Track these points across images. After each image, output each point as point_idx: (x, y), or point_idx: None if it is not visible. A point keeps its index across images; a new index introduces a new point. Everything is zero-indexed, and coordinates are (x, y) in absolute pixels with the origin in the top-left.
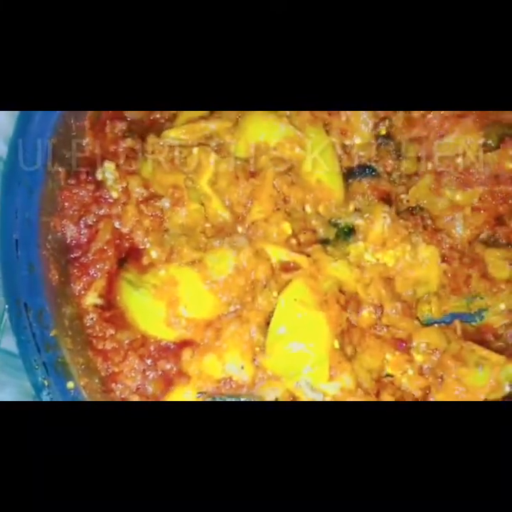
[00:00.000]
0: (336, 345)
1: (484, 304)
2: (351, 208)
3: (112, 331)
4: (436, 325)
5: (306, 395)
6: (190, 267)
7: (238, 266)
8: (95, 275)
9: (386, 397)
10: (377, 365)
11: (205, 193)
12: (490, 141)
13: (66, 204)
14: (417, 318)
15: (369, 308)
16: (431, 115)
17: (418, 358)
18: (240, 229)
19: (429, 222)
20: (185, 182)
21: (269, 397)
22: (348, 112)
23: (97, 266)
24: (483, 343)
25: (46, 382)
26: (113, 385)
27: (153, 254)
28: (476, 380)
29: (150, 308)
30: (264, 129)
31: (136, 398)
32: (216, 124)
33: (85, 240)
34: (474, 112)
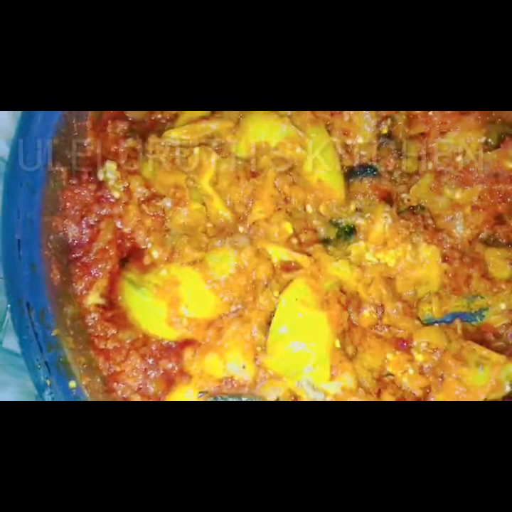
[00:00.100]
0: (337, 344)
1: (485, 303)
2: (352, 207)
3: (113, 331)
4: (436, 324)
5: (307, 395)
6: (191, 267)
7: (239, 266)
8: (97, 275)
9: (387, 396)
10: (378, 364)
11: (207, 192)
12: (490, 140)
13: (68, 204)
14: (418, 317)
15: (370, 308)
16: (432, 112)
17: (419, 357)
18: (241, 229)
19: (430, 221)
20: (187, 182)
21: (271, 396)
22: (351, 112)
23: (99, 266)
24: (483, 342)
25: (48, 382)
26: (115, 384)
27: (155, 254)
28: (476, 380)
29: (151, 308)
30: (265, 129)
31: (137, 398)
32: (217, 124)
33: (87, 239)
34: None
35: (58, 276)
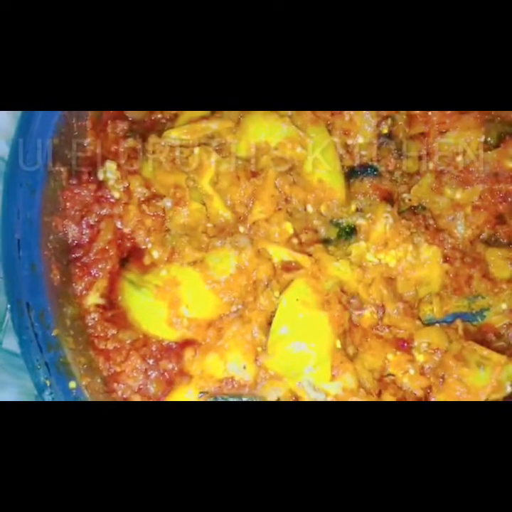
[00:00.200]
0: (338, 345)
1: (486, 303)
2: (353, 207)
3: (113, 331)
4: (437, 325)
5: (308, 395)
6: (191, 267)
7: (240, 266)
8: (97, 275)
9: (388, 396)
10: (379, 364)
11: (207, 192)
12: (489, 139)
13: (68, 204)
14: (419, 318)
15: (371, 309)
16: (431, 112)
17: (419, 357)
18: (241, 229)
19: (431, 221)
20: (187, 182)
21: (271, 397)
22: (351, 112)
23: (99, 266)
24: (484, 342)
25: (48, 382)
26: (115, 384)
27: (155, 254)
28: (477, 380)
29: (152, 308)
30: (265, 129)
31: (138, 398)
32: (217, 123)
33: (87, 239)
34: None
35: (58, 277)
